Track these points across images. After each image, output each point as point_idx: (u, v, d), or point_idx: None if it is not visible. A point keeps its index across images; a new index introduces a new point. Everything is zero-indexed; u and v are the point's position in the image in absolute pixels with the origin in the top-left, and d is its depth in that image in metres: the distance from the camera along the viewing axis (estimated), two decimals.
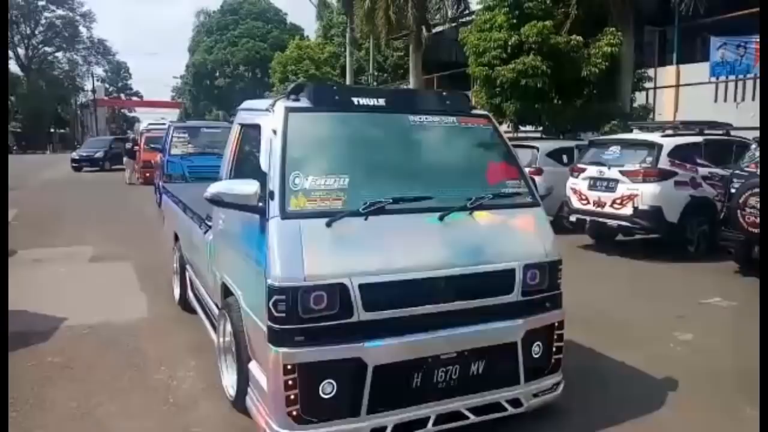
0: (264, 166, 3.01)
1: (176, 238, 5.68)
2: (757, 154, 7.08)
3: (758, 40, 13.03)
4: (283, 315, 2.69)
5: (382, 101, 3.30)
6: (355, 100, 3.25)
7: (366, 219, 2.87)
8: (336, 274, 2.75)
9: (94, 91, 62.41)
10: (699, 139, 8.52)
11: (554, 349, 3.35)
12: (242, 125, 3.86)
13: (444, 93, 3.74)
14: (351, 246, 2.84)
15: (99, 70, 67.03)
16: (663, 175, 8.00)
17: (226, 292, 3.58)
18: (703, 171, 8.22)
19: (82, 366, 4.23)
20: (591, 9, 13.44)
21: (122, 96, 73.28)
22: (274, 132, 3.02)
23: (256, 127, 3.34)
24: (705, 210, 8.09)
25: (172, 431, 3.31)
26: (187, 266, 5.26)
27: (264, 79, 41.55)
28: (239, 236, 3.33)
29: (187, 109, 56.34)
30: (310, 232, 2.78)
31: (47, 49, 61.85)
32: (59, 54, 62.66)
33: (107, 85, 70.31)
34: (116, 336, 4.84)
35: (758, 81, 13.61)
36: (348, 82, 29.27)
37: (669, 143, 8.24)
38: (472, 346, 3.03)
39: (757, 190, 6.49)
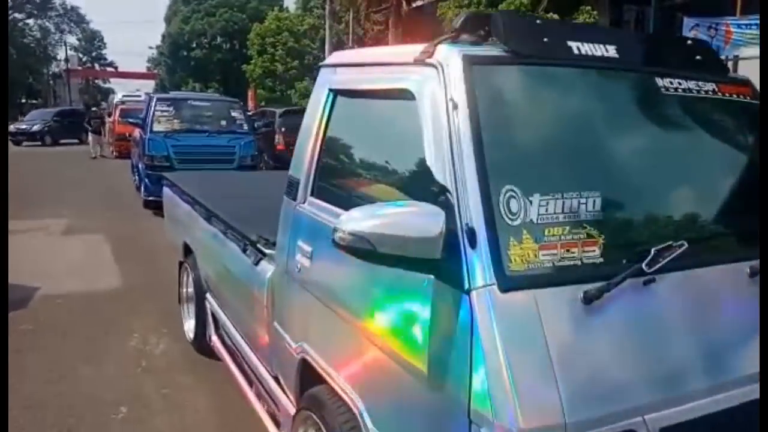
0: (441, 175, 1.55)
1: (187, 250, 4.15)
2: None
3: (729, 22, 13.30)
4: None
5: (612, 50, 1.86)
6: (573, 45, 1.81)
7: (649, 284, 1.52)
8: (618, 409, 1.40)
9: (67, 60, 60.91)
10: None
11: None
12: (338, 92, 2.22)
13: (689, 40, 2.24)
14: (629, 343, 1.49)
15: (72, 39, 65.40)
16: None
17: (310, 373, 2.12)
18: None
19: (56, 334, 4.36)
20: None
21: (96, 66, 71.58)
22: (454, 105, 1.58)
23: (395, 95, 1.84)
24: None
25: (144, 393, 3.47)
26: (209, 296, 3.69)
27: (242, 51, 40.93)
28: (368, 301, 1.79)
29: (162, 80, 55.37)
30: (556, 319, 1.41)
31: (17, 15, 59.95)
32: (30, 21, 60.87)
33: (80, 55, 68.58)
34: (89, 305, 4.96)
35: (729, 63, 13.93)
36: (327, 55, 29.09)
37: None
38: None
39: None
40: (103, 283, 5.55)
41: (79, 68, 65.77)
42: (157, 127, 9.57)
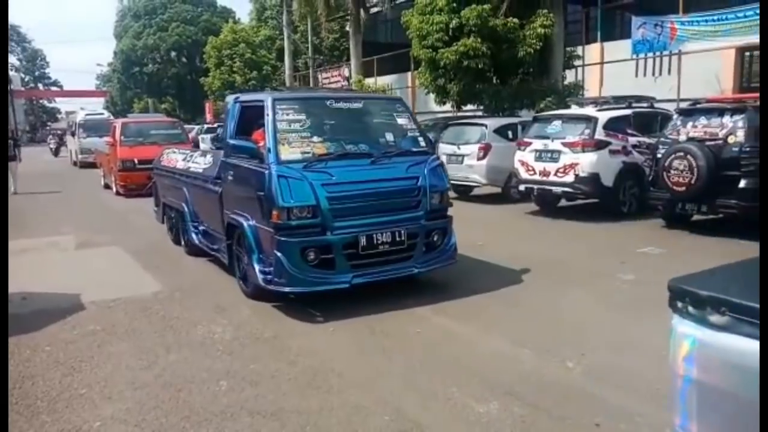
0: None
1: None
2: (679, 123, 8.22)
3: (673, 20, 14.45)
4: None
5: None
6: None
7: None
8: None
9: (9, 81, 59.00)
10: (628, 111, 9.65)
11: None
12: None
13: None
14: None
15: (13, 59, 63.46)
16: (599, 145, 9.07)
17: None
18: (632, 140, 9.35)
19: (125, 331, 4.75)
20: None
21: (40, 86, 69.64)
22: None
23: None
24: (635, 174, 9.24)
25: (235, 368, 3.93)
26: None
27: (196, 64, 40.78)
28: None
29: (113, 98, 54.43)
30: None
31: None
32: None
33: (23, 75, 66.64)
34: (142, 307, 5.34)
35: (674, 57, 15.10)
36: (287, 65, 29.50)
37: (603, 116, 9.31)
38: None
39: (679, 153, 7.61)
40: (144, 288, 5.92)
41: (23, 89, 63.88)
42: (287, 154, 5.17)
